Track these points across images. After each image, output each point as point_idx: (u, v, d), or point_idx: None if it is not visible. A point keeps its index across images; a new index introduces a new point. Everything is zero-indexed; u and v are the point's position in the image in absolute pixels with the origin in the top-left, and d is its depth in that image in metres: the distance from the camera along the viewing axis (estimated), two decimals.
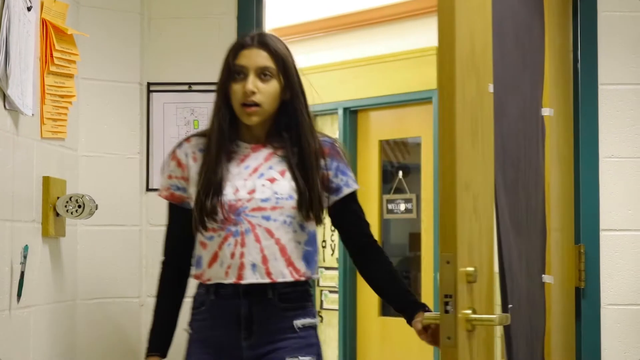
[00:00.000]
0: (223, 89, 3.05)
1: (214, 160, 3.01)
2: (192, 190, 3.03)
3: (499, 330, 3.41)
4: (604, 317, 3.86)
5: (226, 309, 2.99)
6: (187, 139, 3.12)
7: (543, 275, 3.72)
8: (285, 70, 3.04)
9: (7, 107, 2.92)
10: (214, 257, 2.99)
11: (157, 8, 3.91)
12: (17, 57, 2.92)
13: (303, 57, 8.04)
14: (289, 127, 3.06)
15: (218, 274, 2.98)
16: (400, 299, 3.09)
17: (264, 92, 3.01)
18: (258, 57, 3.02)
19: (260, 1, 4.00)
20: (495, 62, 3.24)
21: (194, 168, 3.05)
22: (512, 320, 3.24)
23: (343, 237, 3.20)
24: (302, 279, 3.03)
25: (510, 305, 3.35)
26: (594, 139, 3.90)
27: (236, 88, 3.02)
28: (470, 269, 2.92)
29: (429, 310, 3.05)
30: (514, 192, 3.54)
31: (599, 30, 3.92)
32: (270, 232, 2.98)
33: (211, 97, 3.09)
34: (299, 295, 3.03)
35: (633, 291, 3.87)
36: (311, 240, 3.08)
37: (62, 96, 3.41)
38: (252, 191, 3.00)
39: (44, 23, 3.26)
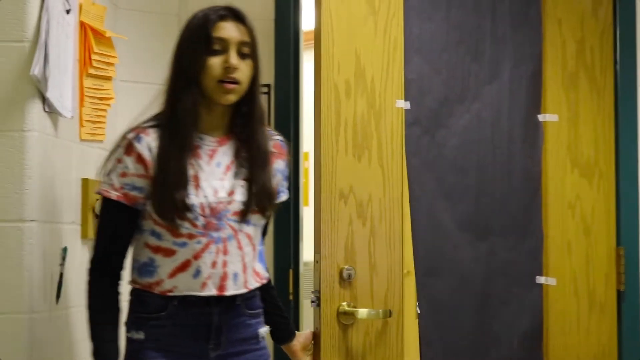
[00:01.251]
0: (198, 64, 2.66)
1: (184, 150, 2.64)
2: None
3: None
4: None
5: (194, 317, 2.69)
6: (144, 130, 2.67)
7: (538, 277, 3.79)
8: (256, 49, 2.74)
9: (46, 109, 2.93)
10: (183, 266, 2.66)
11: (194, 10, 3.89)
12: (56, 60, 2.93)
13: None
14: (246, 116, 2.75)
15: (188, 285, 2.66)
16: (280, 325, 3.03)
17: (244, 70, 2.68)
18: (239, 31, 2.69)
19: (297, 4, 4.00)
20: (420, 78, 3.67)
21: None
22: (430, 317, 3.65)
23: None
24: (264, 281, 2.85)
25: (417, 303, 3.62)
26: (633, 141, 3.88)
27: (214, 62, 2.65)
28: (346, 267, 3.43)
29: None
30: (465, 197, 3.75)
31: (637, 31, 3.91)
32: (250, 238, 2.73)
33: None
34: (257, 301, 2.82)
35: None
36: (261, 238, 2.86)
37: (100, 98, 3.42)
38: (232, 192, 2.69)
39: (82, 26, 3.28)
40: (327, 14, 3.50)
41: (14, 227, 2.82)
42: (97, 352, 2.67)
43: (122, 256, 2.72)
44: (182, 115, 2.65)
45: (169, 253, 2.67)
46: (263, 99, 3.79)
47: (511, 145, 3.81)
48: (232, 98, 2.68)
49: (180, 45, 2.72)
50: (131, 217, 2.68)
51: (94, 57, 3.34)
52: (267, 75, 3.93)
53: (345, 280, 3.44)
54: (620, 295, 3.86)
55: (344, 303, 3.45)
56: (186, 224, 2.64)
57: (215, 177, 2.68)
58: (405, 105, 3.63)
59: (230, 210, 2.68)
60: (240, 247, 2.70)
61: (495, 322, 3.75)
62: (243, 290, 2.72)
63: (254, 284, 2.78)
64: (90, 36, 3.31)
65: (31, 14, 2.86)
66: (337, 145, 3.47)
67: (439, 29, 3.77)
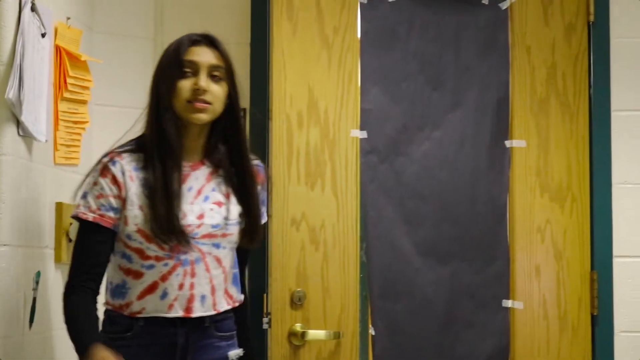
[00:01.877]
0: (169, 87, 2.72)
1: (170, 172, 2.70)
2: (132, 212, 2.68)
3: None
4: (618, 344, 3.85)
5: (159, 337, 2.71)
6: (118, 155, 2.74)
7: (505, 301, 3.87)
8: (231, 75, 2.81)
9: (20, 133, 2.93)
10: (151, 288, 2.70)
11: (170, 34, 3.88)
12: (31, 84, 2.93)
13: None
14: (226, 141, 2.82)
15: (156, 307, 2.70)
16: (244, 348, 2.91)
17: (214, 92, 2.73)
18: (210, 55, 2.76)
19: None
20: (378, 108, 3.83)
21: (132, 188, 2.70)
22: (386, 338, 3.77)
23: None
24: (236, 304, 2.86)
25: (370, 325, 3.78)
26: (607, 165, 3.90)
27: (183, 84, 2.71)
28: (297, 290, 3.68)
29: None
30: (425, 222, 3.86)
31: (611, 56, 3.94)
32: (219, 261, 2.76)
33: None
34: (230, 323, 2.84)
35: None
36: (235, 261, 2.87)
37: (75, 122, 3.41)
38: (201, 216, 2.74)
39: (57, 49, 3.27)
40: (278, 51, 3.74)
41: None
42: (80, 353, 2.63)
43: (99, 277, 2.72)
44: (170, 140, 2.71)
45: (138, 275, 2.71)
46: None
47: (476, 171, 3.88)
48: (203, 117, 2.73)
49: (156, 71, 2.79)
50: (107, 239, 2.72)
51: (69, 80, 3.33)
52: (243, 99, 3.93)
53: (297, 302, 3.67)
54: (594, 319, 3.87)
55: (296, 325, 3.67)
56: (153, 246, 2.69)
57: (185, 201, 2.73)
58: (362, 134, 3.80)
59: (198, 233, 2.72)
60: (207, 270, 2.74)
61: (458, 345, 3.83)
62: (211, 312, 2.75)
63: (225, 306, 2.80)
64: (65, 60, 3.31)
65: (6, 37, 2.86)
66: (289, 174, 3.72)
67: (397, 59, 3.89)
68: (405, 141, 3.86)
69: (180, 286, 2.70)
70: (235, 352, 2.84)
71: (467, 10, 3.91)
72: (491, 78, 3.90)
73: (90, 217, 2.70)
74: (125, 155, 2.75)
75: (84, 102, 3.46)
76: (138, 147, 2.77)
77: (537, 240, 3.88)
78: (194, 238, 2.71)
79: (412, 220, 3.84)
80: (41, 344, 3.13)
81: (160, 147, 2.71)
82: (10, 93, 2.82)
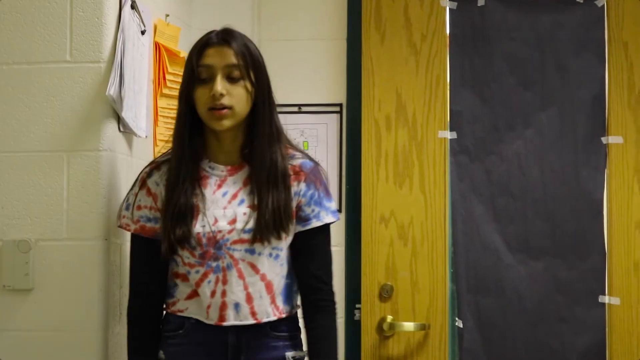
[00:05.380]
0: (186, 96, 2.67)
1: (179, 182, 2.66)
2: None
3: None
4: None
5: (210, 335, 2.68)
6: (157, 167, 2.74)
7: (601, 297, 3.86)
8: (255, 68, 2.68)
9: (121, 129, 2.97)
10: (194, 293, 2.69)
11: (266, 31, 3.95)
12: (131, 80, 2.97)
13: None
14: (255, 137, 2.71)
15: (197, 311, 2.68)
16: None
17: (234, 94, 2.63)
18: (225, 55, 2.65)
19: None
20: (467, 109, 3.90)
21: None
22: (476, 332, 3.84)
23: (296, 275, 2.78)
24: (283, 316, 2.72)
25: (457, 318, 3.87)
26: None
27: (202, 92, 2.64)
28: (386, 283, 3.83)
29: None
30: (516, 219, 3.90)
31: None
32: (254, 267, 2.66)
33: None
34: (290, 325, 2.75)
35: None
36: (290, 270, 2.76)
37: (174, 118, 3.43)
38: (233, 221, 2.65)
39: (157, 46, 3.31)
40: (367, 59, 3.89)
41: (90, 245, 2.87)
42: None
43: (157, 287, 2.74)
44: (177, 149, 2.71)
45: (185, 278, 2.71)
46: (330, 118, 3.88)
47: (570, 168, 3.89)
48: (225, 123, 2.66)
49: (182, 75, 2.75)
50: (152, 249, 2.70)
51: (168, 77, 3.37)
52: (340, 95, 3.95)
53: (385, 295, 3.84)
54: None
55: (386, 316, 3.84)
56: (186, 253, 2.67)
57: (218, 207, 2.68)
58: (451, 135, 3.89)
59: (229, 239, 2.66)
60: (241, 277, 2.66)
61: (552, 339, 3.84)
62: (250, 321, 2.68)
63: (271, 317, 2.71)
64: (164, 56, 3.35)
65: (107, 35, 2.91)
66: (377, 174, 3.88)
67: (487, 61, 3.93)
68: (495, 140, 3.91)
69: (212, 293, 2.66)
70: (294, 353, 2.74)
71: (561, 10, 3.92)
72: (586, 75, 3.89)
73: (132, 228, 2.75)
74: (163, 165, 2.74)
75: None
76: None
77: (635, 236, 3.85)
78: (225, 244, 2.65)
79: (503, 217, 3.89)
80: None
81: (173, 158, 2.70)
82: (111, 90, 2.86)
